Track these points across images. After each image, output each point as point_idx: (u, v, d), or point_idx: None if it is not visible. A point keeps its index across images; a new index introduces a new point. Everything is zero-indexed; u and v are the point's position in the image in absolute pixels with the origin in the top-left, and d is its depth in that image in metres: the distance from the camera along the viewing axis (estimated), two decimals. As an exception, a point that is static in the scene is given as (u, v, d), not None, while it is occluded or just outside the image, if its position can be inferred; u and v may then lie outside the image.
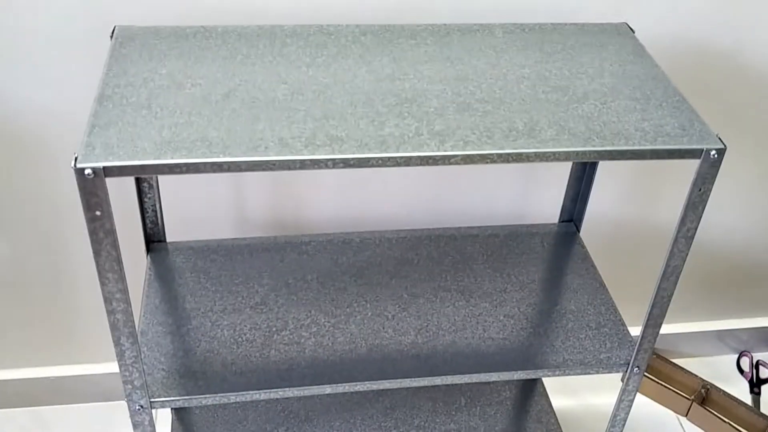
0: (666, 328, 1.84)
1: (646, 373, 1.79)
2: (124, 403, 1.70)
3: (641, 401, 1.80)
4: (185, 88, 0.99)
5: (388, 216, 1.52)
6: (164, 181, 1.40)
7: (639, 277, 1.72)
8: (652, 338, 1.16)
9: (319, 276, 1.30)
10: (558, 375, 1.18)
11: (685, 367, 1.81)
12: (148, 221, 1.31)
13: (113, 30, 1.11)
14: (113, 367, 1.66)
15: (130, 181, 1.38)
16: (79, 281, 1.53)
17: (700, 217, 1.02)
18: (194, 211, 1.46)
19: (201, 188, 1.43)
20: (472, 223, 1.57)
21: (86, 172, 0.86)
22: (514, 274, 1.33)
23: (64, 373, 1.65)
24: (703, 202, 1.01)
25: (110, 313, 0.98)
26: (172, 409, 1.54)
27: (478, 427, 1.55)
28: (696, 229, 1.03)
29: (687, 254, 1.06)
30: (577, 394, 1.80)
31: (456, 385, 1.62)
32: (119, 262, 0.93)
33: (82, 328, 1.60)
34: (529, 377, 1.18)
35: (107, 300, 0.97)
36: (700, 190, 0.99)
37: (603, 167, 1.52)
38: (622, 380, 1.25)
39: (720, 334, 1.87)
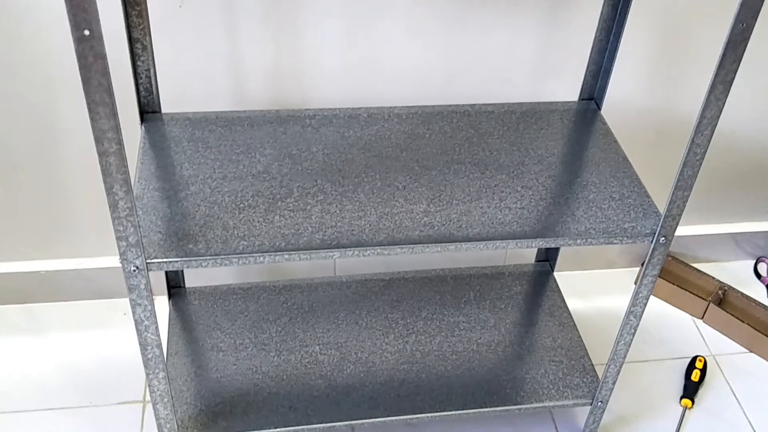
0: (681, 230, 1.77)
1: (661, 276, 1.73)
2: (119, 301, 1.64)
3: (656, 304, 1.74)
4: None
5: (397, 96, 1.44)
6: (159, 48, 1.31)
7: (659, 167, 1.64)
8: (681, 203, 1.09)
9: (325, 148, 1.22)
10: (579, 244, 1.11)
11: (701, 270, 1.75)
12: (141, 88, 1.23)
13: None
14: (108, 261, 1.59)
15: (122, 46, 1.29)
16: (74, 166, 1.45)
17: (740, 59, 0.94)
18: (190, 86, 1.37)
19: (197, 60, 1.34)
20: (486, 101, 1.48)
21: (72, -20, 0.77)
22: (532, 148, 1.25)
23: (56, 267, 1.57)
24: (745, 40, 0.93)
25: (102, 155, 0.90)
26: (169, 299, 1.48)
27: (488, 320, 1.49)
28: (735, 73, 0.96)
29: (724, 104, 0.99)
30: (588, 296, 1.74)
31: (464, 278, 1.56)
32: (110, 93, 0.85)
33: (77, 219, 1.53)
34: (548, 246, 1.11)
35: (98, 140, 0.89)
36: (742, 24, 0.91)
37: (626, 42, 1.43)
38: (641, 268, 1.18)
39: (736, 238, 1.80)
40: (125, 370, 1.51)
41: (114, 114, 0.87)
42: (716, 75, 0.96)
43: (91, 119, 0.87)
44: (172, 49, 1.33)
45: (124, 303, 1.63)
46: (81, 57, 0.82)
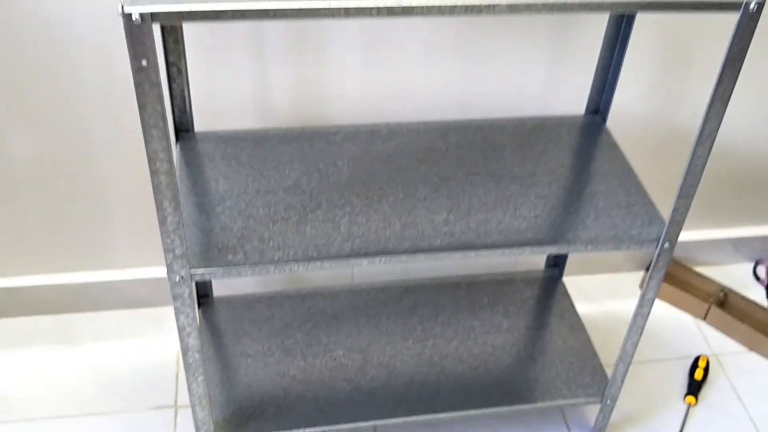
0: (682, 236, 1.85)
1: (664, 280, 1.81)
2: (149, 311, 1.71)
3: (660, 307, 1.82)
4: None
5: (414, 112, 1.52)
6: (191, 70, 1.40)
7: (662, 175, 1.73)
8: (684, 210, 1.17)
9: (349, 162, 1.31)
10: (590, 250, 1.19)
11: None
12: (176, 108, 1.31)
13: None
14: (139, 273, 1.67)
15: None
16: (106, 182, 1.53)
17: (737, 75, 1.03)
18: (218, 106, 1.46)
19: (225, 81, 1.43)
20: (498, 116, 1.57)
21: (134, 17, 0.85)
22: (542, 160, 1.34)
23: (89, 279, 1.65)
24: (741, 59, 1.01)
25: (154, 173, 0.98)
26: (198, 308, 1.56)
27: (502, 324, 1.57)
28: (732, 90, 1.04)
29: (722, 118, 1.07)
30: (595, 300, 1.82)
31: (478, 285, 1.64)
32: (164, 118, 0.93)
33: (108, 233, 1.61)
34: (561, 252, 1.19)
35: (151, 159, 0.97)
36: (738, 45, 1.00)
37: (629, 58, 1.52)
38: (646, 273, 1.26)
39: (735, 243, 1.89)
40: (156, 376, 1.59)
41: (166, 136, 0.95)
42: (715, 92, 1.04)
43: (146, 141, 0.95)
44: (204, 72, 1.41)
45: (154, 312, 1.71)
46: (138, 86, 0.90)
